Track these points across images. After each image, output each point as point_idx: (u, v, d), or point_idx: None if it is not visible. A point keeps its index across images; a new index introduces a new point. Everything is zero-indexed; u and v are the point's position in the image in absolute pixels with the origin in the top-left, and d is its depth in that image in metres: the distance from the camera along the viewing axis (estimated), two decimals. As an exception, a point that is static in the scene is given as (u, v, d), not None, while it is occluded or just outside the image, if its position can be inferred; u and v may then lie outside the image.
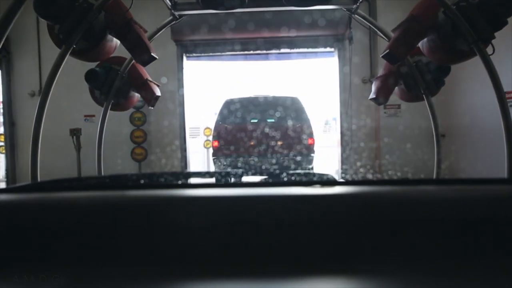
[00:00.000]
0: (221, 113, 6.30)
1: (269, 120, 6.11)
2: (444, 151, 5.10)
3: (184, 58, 5.34)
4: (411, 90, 3.30)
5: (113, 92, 3.19)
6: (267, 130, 5.88)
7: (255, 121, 6.08)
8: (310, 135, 5.95)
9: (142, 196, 0.94)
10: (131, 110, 5.01)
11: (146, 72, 3.54)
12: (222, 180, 1.20)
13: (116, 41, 2.63)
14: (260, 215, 0.85)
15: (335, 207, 0.86)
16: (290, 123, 6.02)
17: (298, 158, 5.91)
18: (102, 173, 3.51)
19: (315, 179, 1.18)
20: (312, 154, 5.95)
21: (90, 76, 3.11)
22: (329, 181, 1.04)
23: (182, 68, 5.19)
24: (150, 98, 3.30)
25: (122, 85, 3.24)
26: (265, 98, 6.46)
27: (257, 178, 1.19)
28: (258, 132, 5.87)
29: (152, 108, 3.41)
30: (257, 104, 6.32)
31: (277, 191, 0.97)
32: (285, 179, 1.15)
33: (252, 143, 5.93)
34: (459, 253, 0.79)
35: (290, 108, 6.21)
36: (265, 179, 1.17)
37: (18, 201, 0.94)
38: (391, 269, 0.77)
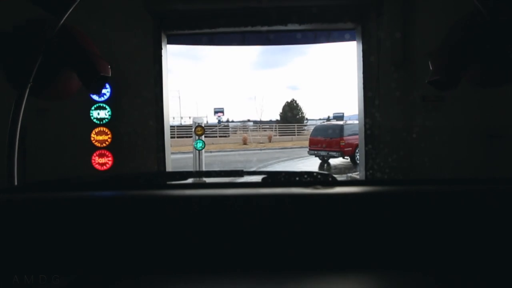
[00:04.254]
0: (312, 130, 16.98)
1: (328, 135, 14.92)
2: (500, 156, 3.94)
3: (163, 37, 4.15)
4: (494, 68, 2.15)
5: (34, 68, 2.04)
6: (326, 140, 14.80)
7: (323, 135, 15.21)
8: (342, 143, 14.17)
9: (143, 196, 0.93)
10: (90, 102, 3.84)
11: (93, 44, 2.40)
12: (224, 180, 1.18)
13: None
14: (262, 215, 0.86)
15: (335, 207, 0.87)
16: (336, 136, 14.50)
17: (336, 153, 14.37)
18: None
19: (315, 179, 1.11)
20: (341, 152, 14.21)
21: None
22: (330, 182, 1.04)
23: (159, 47, 4.01)
24: (91, 79, 2.14)
25: (49, 59, 2.09)
26: (329, 124, 18.00)
27: (258, 178, 1.13)
28: (323, 140, 14.98)
29: (97, 95, 2.26)
30: (325, 127, 16.55)
31: (278, 191, 0.97)
32: (287, 179, 1.13)
33: (320, 145, 15.03)
34: (458, 253, 0.80)
35: (337, 130, 14.92)
36: (265, 178, 1.12)
37: (17, 200, 0.92)
38: (392, 268, 0.78)
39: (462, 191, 0.94)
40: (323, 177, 1.11)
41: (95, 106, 3.82)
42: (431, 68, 2.31)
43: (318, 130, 16.39)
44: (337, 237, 0.83)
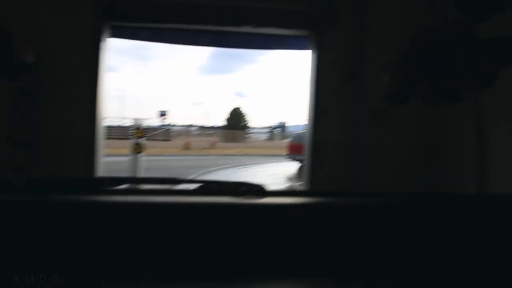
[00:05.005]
0: (292, 138, 16.41)
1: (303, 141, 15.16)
2: (440, 172, 4.08)
3: (106, 28, 3.77)
4: (448, 84, 2.13)
5: None
6: (302, 145, 12.97)
7: (299, 141, 12.28)
8: None
9: (68, 201, 0.91)
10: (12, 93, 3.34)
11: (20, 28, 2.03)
12: (156, 187, 1.19)
13: None
14: (191, 224, 0.86)
15: (264, 217, 0.88)
16: None
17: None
18: None
19: (247, 189, 1.14)
20: None
21: None
22: (260, 192, 1.06)
23: (100, 39, 3.63)
24: (8, 65, 1.76)
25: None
26: (305, 132, 16.43)
27: (191, 186, 1.16)
28: (299, 146, 12.50)
29: (15, 83, 1.89)
30: (301, 134, 12.24)
31: (209, 200, 0.97)
32: (218, 188, 1.14)
33: (297, 150, 12.93)
34: (395, 263, 0.83)
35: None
36: (197, 187, 1.14)
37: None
38: (327, 276, 0.80)
39: (399, 204, 0.97)
40: (254, 187, 1.13)
41: (15, 98, 3.32)
42: (386, 81, 2.25)
43: (296, 137, 18.47)
44: (263, 248, 0.85)
